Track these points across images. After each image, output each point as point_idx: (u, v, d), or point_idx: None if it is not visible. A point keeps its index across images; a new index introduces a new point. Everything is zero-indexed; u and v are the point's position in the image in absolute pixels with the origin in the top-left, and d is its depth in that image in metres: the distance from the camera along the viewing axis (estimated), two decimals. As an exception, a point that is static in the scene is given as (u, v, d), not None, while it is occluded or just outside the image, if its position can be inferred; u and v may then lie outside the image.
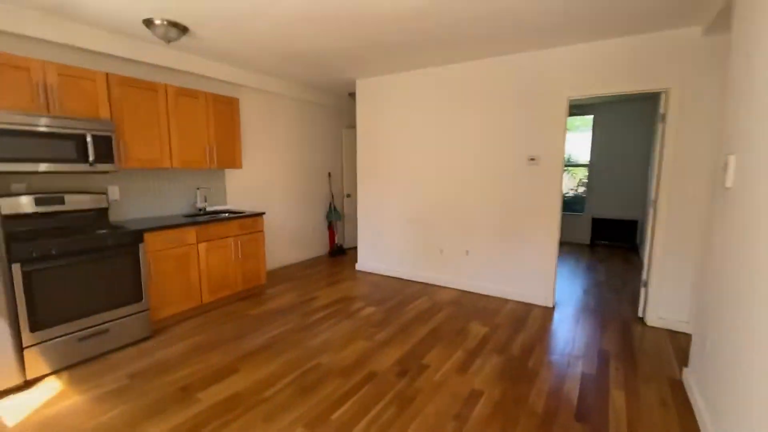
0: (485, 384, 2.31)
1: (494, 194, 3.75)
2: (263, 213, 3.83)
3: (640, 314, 3.32)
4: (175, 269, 3.08)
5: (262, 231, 3.84)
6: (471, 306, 3.59)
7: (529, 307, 3.59)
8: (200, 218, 3.43)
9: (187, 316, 3.26)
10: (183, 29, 2.82)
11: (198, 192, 3.77)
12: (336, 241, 5.61)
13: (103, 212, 3.01)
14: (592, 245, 6.52)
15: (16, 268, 2.18)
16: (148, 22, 2.71)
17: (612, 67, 3.10)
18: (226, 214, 3.88)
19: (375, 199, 4.58)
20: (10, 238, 2.28)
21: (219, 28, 2.87)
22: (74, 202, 2.84)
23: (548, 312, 3.47)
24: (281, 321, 3.21)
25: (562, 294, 3.97)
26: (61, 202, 2.78)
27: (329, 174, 5.63)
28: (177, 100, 3.28)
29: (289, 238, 5.01)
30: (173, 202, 3.63)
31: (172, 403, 2.10)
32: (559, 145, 3.38)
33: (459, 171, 3.93)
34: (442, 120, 3.97)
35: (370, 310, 3.47)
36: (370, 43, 3.22)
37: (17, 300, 2.20)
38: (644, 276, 3.27)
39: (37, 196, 2.66)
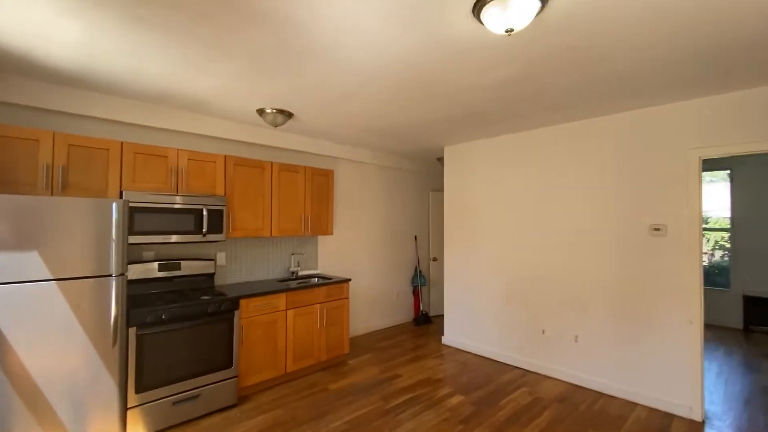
0: None
1: (609, 268, 3.19)
2: (349, 279, 3.83)
3: None
4: (264, 336, 3.15)
5: (347, 298, 3.81)
6: (584, 407, 2.93)
7: (666, 417, 2.79)
8: (292, 284, 3.55)
9: (271, 385, 3.25)
10: (288, 115, 3.15)
11: (292, 257, 3.96)
12: (421, 308, 5.34)
13: (210, 277, 3.30)
14: (747, 330, 5.10)
15: (132, 331, 2.43)
16: (261, 111, 3.09)
17: (751, 119, 2.53)
18: (316, 280, 3.98)
19: (463, 267, 4.29)
20: (130, 303, 2.58)
21: (317, 111, 3.14)
22: (188, 267, 3.17)
23: (696, 429, 2.64)
24: (361, 402, 2.99)
25: (713, 402, 3.03)
26: (179, 268, 3.12)
27: (415, 237, 5.55)
28: (280, 175, 3.60)
29: (373, 303, 4.92)
30: (271, 267, 3.86)
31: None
32: (693, 212, 2.78)
33: (564, 242, 3.48)
34: (540, 184, 3.64)
35: (457, 399, 3.06)
36: (461, 113, 3.19)
37: (128, 362, 2.41)
38: None
39: (161, 262, 3.04)
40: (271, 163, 3.53)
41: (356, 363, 3.81)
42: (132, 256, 3.01)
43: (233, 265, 3.59)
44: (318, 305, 3.54)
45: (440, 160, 5.25)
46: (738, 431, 2.63)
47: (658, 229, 2.93)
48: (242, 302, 3.00)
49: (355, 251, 4.74)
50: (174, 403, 2.60)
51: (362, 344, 4.39)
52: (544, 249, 3.60)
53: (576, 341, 3.37)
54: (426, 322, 5.26)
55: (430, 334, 4.83)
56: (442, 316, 5.45)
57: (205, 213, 2.98)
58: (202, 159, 3.09)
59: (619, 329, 3.12)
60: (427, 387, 3.28)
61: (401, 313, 5.32)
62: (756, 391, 3.26)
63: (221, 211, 3.10)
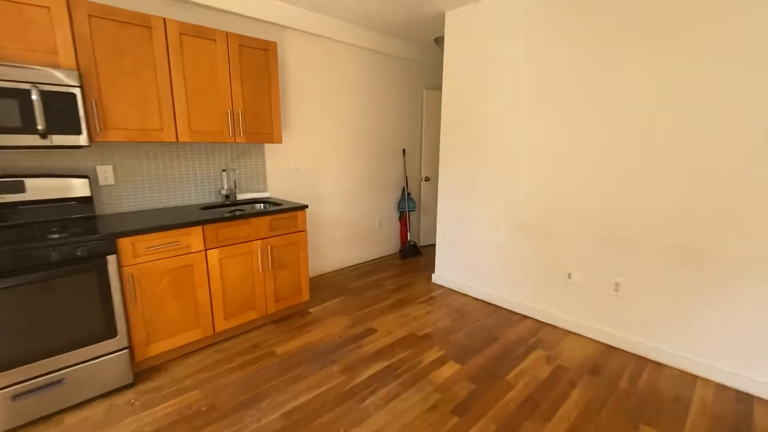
0: None
1: (685, 189, 2.10)
2: (305, 206, 2.74)
3: None
4: (173, 288, 2.16)
5: (304, 231, 2.77)
6: (626, 383, 2.09)
7: (741, 400, 1.96)
8: (217, 213, 2.47)
9: (194, 349, 2.36)
10: None
11: (224, 175, 2.82)
12: (408, 238, 4.38)
13: (84, 204, 2.19)
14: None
15: None
16: None
17: None
18: (261, 206, 2.89)
19: (463, 186, 3.18)
20: None
21: None
22: (39, 188, 2.04)
23: (795, 422, 1.82)
24: (315, 376, 2.13)
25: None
26: (21, 189, 1.99)
27: (404, 151, 4.35)
28: (182, 43, 2.27)
29: (348, 232, 3.93)
30: (193, 189, 2.73)
31: None
32: None
33: (612, 152, 2.33)
34: (588, 71, 2.36)
35: (450, 369, 2.20)
36: None
37: None
38: None
39: (-17, 180, 1.89)
40: (164, 19, 2.18)
41: (320, 312, 2.92)
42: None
43: (129, 185, 2.45)
44: (258, 242, 2.50)
45: (439, 41, 3.80)
46: None
47: (794, 127, 1.78)
48: (122, 242, 1.94)
49: (323, 167, 3.58)
50: (14, 397, 1.69)
51: (332, 284, 3.49)
52: (584, 166, 2.46)
53: (616, 290, 2.43)
54: (414, 254, 4.34)
55: (418, 269, 3.93)
56: (434, 246, 4.53)
57: (35, 97, 1.74)
58: (20, 1, 1.75)
59: (687, 276, 2.15)
60: (410, 348, 2.42)
61: (384, 243, 4.37)
62: None
63: (73, 96, 1.87)
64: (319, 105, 3.43)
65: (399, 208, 4.39)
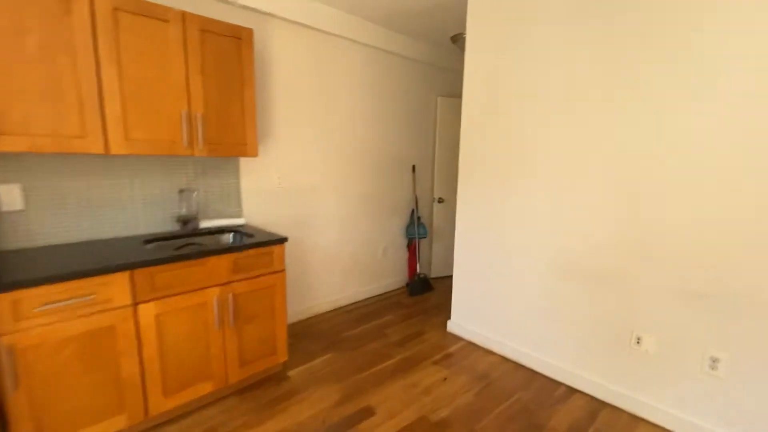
0: None
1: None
2: (284, 239, 2.09)
3: None
4: (81, 361, 1.51)
5: (282, 271, 2.12)
6: None
7: None
8: (160, 248, 1.84)
9: (118, 443, 1.69)
10: None
11: (180, 197, 2.19)
12: (418, 270, 3.70)
13: (-32, 237, 1.58)
14: None
15: None
16: None
17: None
18: (231, 238, 2.26)
19: (489, 214, 2.52)
20: None
21: None
22: None
23: None
24: (279, 499, 1.44)
25: None
26: None
27: (413, 168, 3.71)
28: (119, 23, 1.68)
29: (344, 265, 3.26)
30: (141, 215, 2.11)
31: None
32: None
33: (704, 178, 1.66)
34: (673, 61, 1.72)
35: (480, 493, 1.50)
36: None
37: None
38: None
39: None
40: (88, -12, 1.60)
41: (302, 376, 2.24)
42: None
43: (47, 211, 1.83)
44: (216, 289, 1.85)
45: (457, 39, 3.21)
46: None
47: None
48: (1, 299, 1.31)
49: (314, 186, 2.95)
50: None
51: (322, 331, 2.81)
52: (656, 190, 1.79)
53: (713, 368, 1.72)
54: (424, 289, 3.65)
55: (429, 311, 3.23)
56: (449, 278, 3.85)
57: None
58: None
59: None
60: (420, 446, 1.72)
61: (389, 276, 3.70)
62: None
63: (-70, 87, 1.27)
64: (311, 110, 2.83)
65: (407, 234, 3.73)
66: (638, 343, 1.93)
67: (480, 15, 2.42)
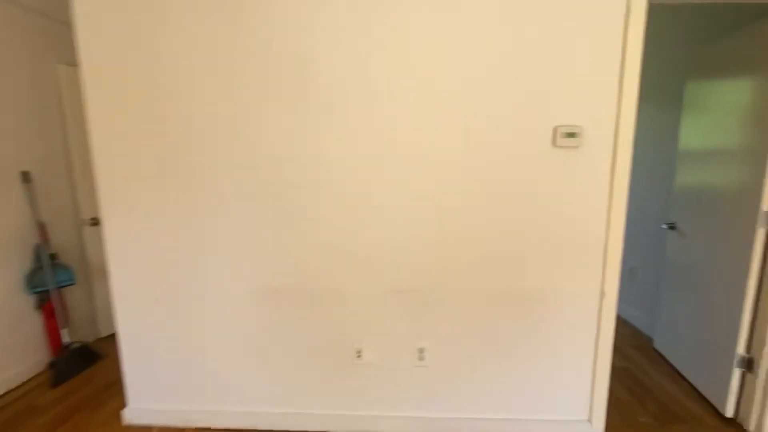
0: None
1: (482, 217, 1.62)
2: None
3: (730, 413, 1.89)
4: None
5: None
6: None
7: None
8: None
9: None
10: None
11: None
12: (64, 339, 2.33)
13: None
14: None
15: None
16: None
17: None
18: None
19: (160, 233, 1.71)
20: None
21: None
22: None
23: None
24: None
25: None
26: None
27: (26, 175, 2.25)
28: None
29: None
30: None
31: None
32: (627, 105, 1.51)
33: (399, 176, 1.60)
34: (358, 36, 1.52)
35: None
36: None
37: None
38: (740, 348, 1.84)
39: None
40: None
41: None
42: None
43: None
44: None
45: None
46: None
47: (572, 135, 1.53)
48: None
49: None
50: None
51: None
52: (350, 188, 1.62)
53: (421, 358, 1.75)
54: (82, 366, 2.34)
55: (98, 396, 2.05)
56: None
57: None
58: None
59: (495, 329, 1.70)
60: None
61: (8, 364, 2.14)
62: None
63: None
64: None
65: (31, 287, 2.25)
66: (359, 356, 1.76)
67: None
